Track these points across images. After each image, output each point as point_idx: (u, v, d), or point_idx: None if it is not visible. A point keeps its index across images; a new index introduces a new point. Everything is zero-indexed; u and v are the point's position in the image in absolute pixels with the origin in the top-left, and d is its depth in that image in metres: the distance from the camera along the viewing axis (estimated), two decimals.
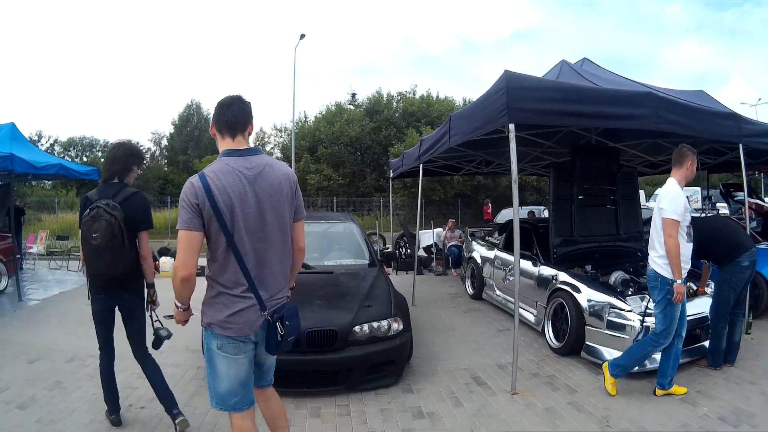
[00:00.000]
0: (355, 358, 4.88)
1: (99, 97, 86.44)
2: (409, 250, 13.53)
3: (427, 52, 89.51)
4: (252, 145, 3.06)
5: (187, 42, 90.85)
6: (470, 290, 9.74)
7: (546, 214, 11.41)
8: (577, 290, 6.06)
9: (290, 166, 32.33)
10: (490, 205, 23.43)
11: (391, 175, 12.45)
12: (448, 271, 12.70)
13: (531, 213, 14.82)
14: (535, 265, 7.24)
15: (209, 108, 57.59)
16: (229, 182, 2.80)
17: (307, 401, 4.76)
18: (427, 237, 13.98)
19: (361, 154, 36.35)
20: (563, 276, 6.44)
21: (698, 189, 18.27)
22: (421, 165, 9.23)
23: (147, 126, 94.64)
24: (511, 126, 5.01)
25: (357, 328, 4.94)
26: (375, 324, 5.04)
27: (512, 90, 5.03)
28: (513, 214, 5.31)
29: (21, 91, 77.61)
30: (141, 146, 46.79)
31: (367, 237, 7.33)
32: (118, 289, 4.07)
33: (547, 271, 6.87)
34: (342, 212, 9.88)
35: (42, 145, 48.48)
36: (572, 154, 7.60)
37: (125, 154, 4.24)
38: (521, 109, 5.06)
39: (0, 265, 11.03)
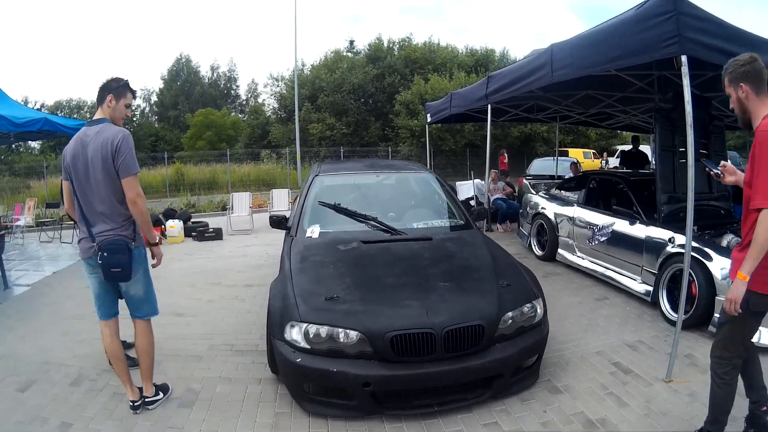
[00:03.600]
0: (505, 360, 3.75)
1: (84, 57, 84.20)
2: None
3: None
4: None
5: None
6: (538, 250, 8.79)
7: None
8: (708, 257, 5.15)
9: (292, 115, 32.56)
10: (506, 155, 22.45)
11: (428, 119, 11.57)
12: (494, 227, 11.53)
13: (573, 165, 13.96)
14: (632, 224, 6.37)
15: (199, 61, 57.25)
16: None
17: (441, 423, 3.69)
18: (466, 189, 12.80)
19: (364, 102, 35.33)
20: (681, 239, 5.45)
21: None
22: (489, 105, 8.22)
23: (135, 83, 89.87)
24: (684, 58, 4.09)
25: (506, 318, 3.83)
26: (523, 309, 3.95)
27: (683, 16, 4.14)
28: (688, 168, 4.22)
29: (2, 57, 75.00)
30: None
31: (452, 190, 6.26)
32: None
33: (657, 233, 5.94)
34: (412, 161, 8.98)
35: None
36: (674, 101, 6.58)
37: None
38: (692, 40, 4.18)
39: None
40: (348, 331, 3.56)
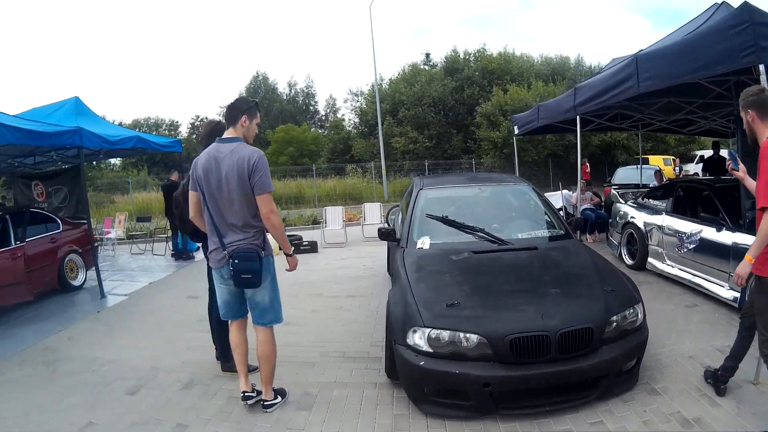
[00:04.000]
0: (611, 362, 3.96)
1: (161, 76, 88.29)
2: None
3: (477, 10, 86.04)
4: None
5: (251, 13, 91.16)
6: (628, 260, 8.80)
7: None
8: None
9: (374, 129, 33.19)
10: (588, 164, 22.17)
11: (516, 131, 11.69)
12: (582, 237, 11.49)
13: (657, 173, 13.74)
14: (719, 231, 6.36)
15: (276, 78, 58.39)
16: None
17: (551, 422, 3.91)
18: (555, 200, 12.77)
19: (444, 115, 35.22)
20: None
21: None
22: (578, 116, 8.39)
23: (215, 101, 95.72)
24: (762, 67, 4.31)
25: (611, 321, 4.04)
26: (626, 313, 4.16)
27: (759, 26, 4.34)
28: None
29: (82, 76, 79.35)
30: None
31: (548, 201, 6.46)
32: None
33: (743, 239, 5.89)
34: (508, 174, 9.19)
35: None
36: None
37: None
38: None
39: (76, 257, 9.86)
40: (469, 334, 3.79)
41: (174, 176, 12.62)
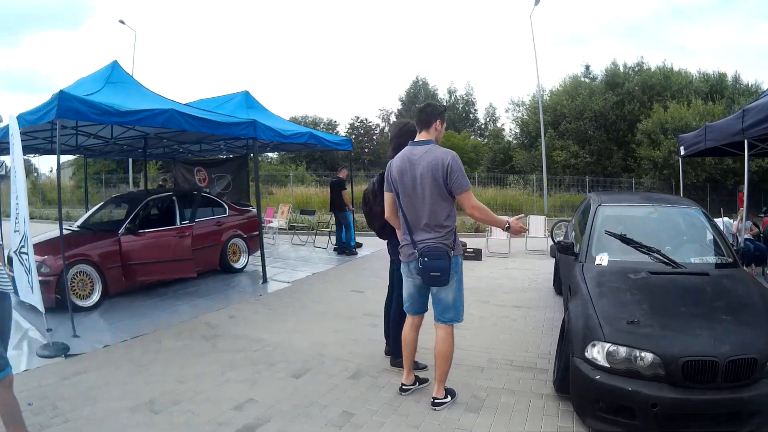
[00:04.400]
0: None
1: (322, 77, 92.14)
2: None
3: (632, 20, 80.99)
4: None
5: (412, 18, 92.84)
6: None
7: None
8: None
9: (535, 141, 32.69)
10: (744, 192, 20.63)
11: (682, 152, 11.19)
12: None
13: None
14: None
15: (435, 84, 58.77)
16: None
17: None
18: None
19: (605, 130, 34.19)
20: None
21: None
22: (746, 141, 7.94)
23: (374, 103, 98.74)
24: None
25: None
26: None
27: None
28: None
29: (247, 70, 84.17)
30: (370, 122, 48.44)
31: (718, 227, 6.19)
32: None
33: None
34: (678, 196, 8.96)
35: None
36: None
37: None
38: None
39: (240, 241, 10.43)
40: (645, 353, 3.77)
41: (342, 173, 13.12)
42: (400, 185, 4.21)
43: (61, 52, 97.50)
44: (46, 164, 73.24)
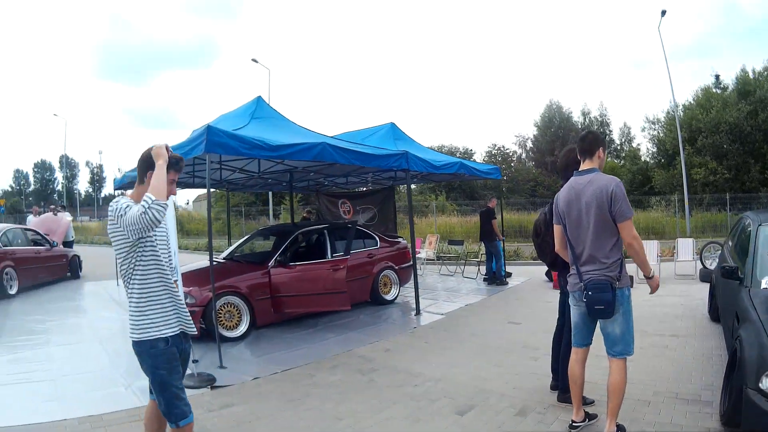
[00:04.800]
0: None
1: (455, 106, 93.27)
2: None
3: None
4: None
5: (543, 41, 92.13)
6: None
7: None
8: None
9: (672, 159, 30.91)
10: None
11: None
12: None
13: None
14: None
15: (570, 107, 57.47)
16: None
17: None
18: None
19: (741, 143, 31.83)
20: None
21: None
22: None
23: (509, 129, 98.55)
24: None
25: None
26: None
27: None
28: None
29: (373, 107, 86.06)
30: (507, 149, 48.10)
31: None
32: None
33: None
34: None
35: None
36: None
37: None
38: None
39: (391, 273, 10.34)
40: None
41: (492, 202, 12.87)
42: (567, 217, 4.23)
43: (184, 90, 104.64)
44: (182, 197, 79.42)
